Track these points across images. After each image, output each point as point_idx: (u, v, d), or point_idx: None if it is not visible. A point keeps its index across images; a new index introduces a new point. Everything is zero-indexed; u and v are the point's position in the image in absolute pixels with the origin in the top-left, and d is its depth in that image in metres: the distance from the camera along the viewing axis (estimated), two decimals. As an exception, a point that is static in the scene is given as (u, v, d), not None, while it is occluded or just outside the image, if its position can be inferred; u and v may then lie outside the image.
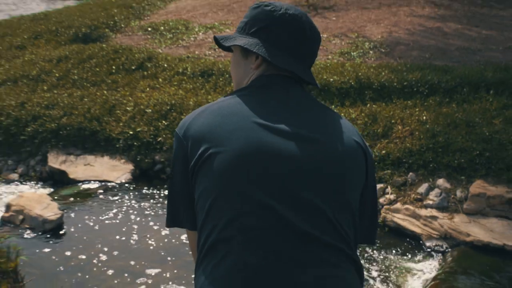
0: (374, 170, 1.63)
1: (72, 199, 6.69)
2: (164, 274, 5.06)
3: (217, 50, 10.27)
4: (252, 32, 1.60)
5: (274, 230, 1.38)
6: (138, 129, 7.72)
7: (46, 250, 5.39)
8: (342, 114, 7.27)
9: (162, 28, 11.99)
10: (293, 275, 1.37)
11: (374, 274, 5.16)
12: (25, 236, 5.62)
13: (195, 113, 1.53)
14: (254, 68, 1.58)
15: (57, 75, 9.53)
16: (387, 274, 5.16)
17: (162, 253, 5.43)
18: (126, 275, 5.00)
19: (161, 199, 6.73)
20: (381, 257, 5.44)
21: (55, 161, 7.63)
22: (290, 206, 1.39)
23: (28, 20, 13.47)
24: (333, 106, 7.52)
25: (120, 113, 8.09)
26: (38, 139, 7.94)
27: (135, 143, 7.60)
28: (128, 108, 8.14)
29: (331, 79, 7.97)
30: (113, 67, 9.61)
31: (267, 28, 1.57)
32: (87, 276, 4.96)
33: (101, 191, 6.88)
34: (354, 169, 1.50)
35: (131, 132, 7.70)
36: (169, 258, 5.30)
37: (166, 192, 6.88)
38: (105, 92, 8.78)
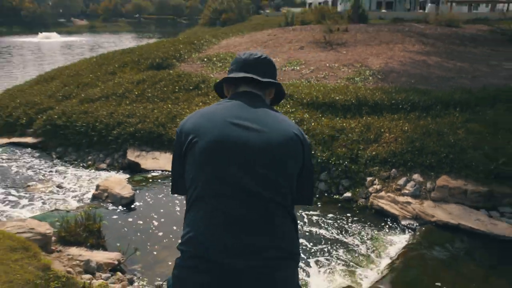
0: (310, 153, 1.71)
1: (142, 182, 6.92)
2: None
3: (254, 76, 10.39)
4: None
5: (236, 198, 1.52)
6: (192, 133, 7.90)
7: (121, 218, 5.63)
8: (344, 125, 7.34)
9: (214, 58, 12.20)
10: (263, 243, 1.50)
11: (360, 243, 5.22)
12: (108, 208, 5.86)
13: (189, 116, 1.73)
14: (225, 89, 1.77)
15: (136, 93, 9.80)
16: (371, 244, 5.21)
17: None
18: (170, 236, 5.18)
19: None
20: (367, 231, 5.49)
21: (132, 155, 7.90)
22: (248, 175, 1.54)
23: (119, 53, 13.85)
24: (337, 118, 7.59)
25: (179, 121, 8.26)
26: (121, 139, 8.22)
27: (189, 143, 7.79)
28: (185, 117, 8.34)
29: (337, 98, 8.03)
30: (176, 87, 9.83)
31: (232, 65, 1.83)
32: (143, 236, 5.16)
33: (163, 178, 7.09)
34: (292, 152, 1.62)
35: (187, 135, 7.90)
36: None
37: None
38: (169, 105, 9.00)
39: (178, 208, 5.90)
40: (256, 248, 1.49)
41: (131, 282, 4.26)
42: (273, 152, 1.58)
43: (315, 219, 5.78)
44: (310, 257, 4.91)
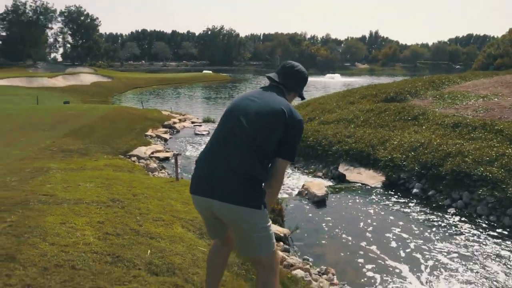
0: (299, 127, 2.11)
1: (341, 190, 7.42)
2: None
3: (477, 111, 9.56)
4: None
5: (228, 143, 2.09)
6: (394, 156, 7.97)
7: (307, 209, 6.34)
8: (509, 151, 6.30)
9: (446, 96, 11.62)
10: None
11: (490, 251, 4.58)
12: (302, 201, 6.67)
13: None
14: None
15: (362, 119, 10.33)
16: (503, 254, 4.52)
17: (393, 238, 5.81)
18: (338, 231, 5.51)
19: (399, 203, 6.92)
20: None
21: (342, 168, 8.47)
22: (240, 127, 2.08)
23: (364, 88, 14.57)
24: (507, 144, 6.55)
25: (388, 145, 8.45)
26: (337, 154, 8.87)
27: (389, 164, 7.88)
28: (394, 142, 8.44)
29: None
30: (397, 117, 9.90)
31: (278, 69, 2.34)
32: (314, 225, 5.69)
33: (360, 189, 7.45)
34: (274, 120, 2.07)
35: (389, 157, 8.02)
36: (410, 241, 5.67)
37: (402, 199, 7.09)
38: (384, 131, 9.20)
39: (364, 218, 6.10)
40: (228, 165, 2.04)
41: (286, 250, 4.94)
42: (260, 117, 2.08)
43: (473, 241, 5.27)
44: (441, 269, 4.62)
